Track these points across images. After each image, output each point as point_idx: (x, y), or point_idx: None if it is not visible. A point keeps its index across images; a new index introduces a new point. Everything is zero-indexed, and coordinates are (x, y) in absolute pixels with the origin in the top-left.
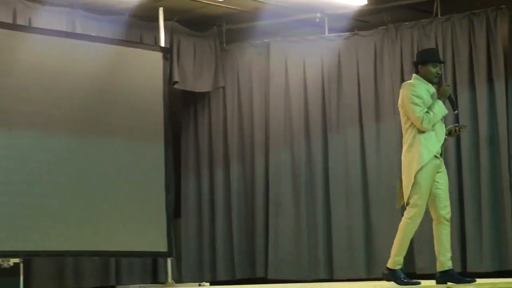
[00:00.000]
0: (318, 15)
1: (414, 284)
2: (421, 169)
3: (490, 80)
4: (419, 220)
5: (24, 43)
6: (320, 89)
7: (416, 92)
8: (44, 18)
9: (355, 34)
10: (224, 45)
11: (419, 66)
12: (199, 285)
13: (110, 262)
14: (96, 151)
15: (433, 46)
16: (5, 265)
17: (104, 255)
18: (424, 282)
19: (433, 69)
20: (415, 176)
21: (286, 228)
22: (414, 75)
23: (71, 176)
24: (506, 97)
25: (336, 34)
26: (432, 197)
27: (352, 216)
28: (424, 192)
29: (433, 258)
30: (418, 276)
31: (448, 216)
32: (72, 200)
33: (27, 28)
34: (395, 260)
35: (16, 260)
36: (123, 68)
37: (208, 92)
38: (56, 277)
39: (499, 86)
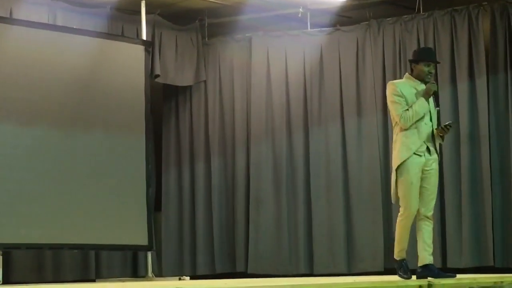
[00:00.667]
0: (301, 10)
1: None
2: (399, 166)
3: (471, 77)
4: (408, 214)
5: (5, 34)
6: (302, 84)
7: (397, 91)
8: (25, 9)
9: (337, 29)
10: (206, 39)
11: (413, 65)
12: (179, 279)
13: (90, 255)
14: (77, 144)
15: (415, 43)
16: None
17: (84, 248)
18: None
19: (425, 68)
20: (396, 173)
21: (267, 223)
22: (406, 74)
23: (51, 169)
24: (488, 94)
25: (318, 29)
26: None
27: (333, 211)
28: (407, 189)
29: (413, 252)
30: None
31: (430, 214)
32: (52, 193)
33: (8, 20)
34: (396, 252)
35: None
36: (104, 61)
37: (189, 86)
38: (36, 269)
39: (481, 83)
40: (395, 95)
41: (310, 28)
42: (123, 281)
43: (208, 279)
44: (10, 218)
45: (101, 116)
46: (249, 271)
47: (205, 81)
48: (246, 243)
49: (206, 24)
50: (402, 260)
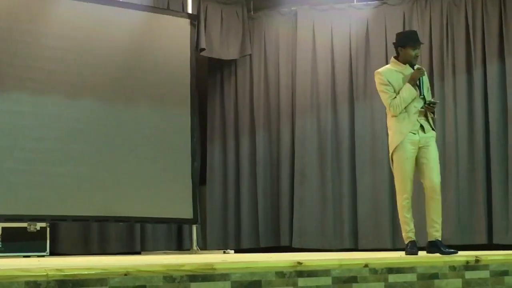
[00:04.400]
0: None
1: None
2: (394, 150)
3: None
4: (406, 196)
5: (52, 8)
6: (348, 58)
7: (383, 81)
8: None
9: (384, 3)
10: (252, 12)
11: (399, 48)
12: (224, 252)
13: (135, 228)
14: (122, 117)
15: (463, 16)
16: (32, 229)
17: (129, 221)
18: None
19: (412, 52)
20: (391, 158)
21: (311, 197)
22: (392, 58)
23: (97, 142)
24: None
25: (365, 2)
26: (419, 171)
27: (378, 186)
28: (403, 171)
29: (459, 228)
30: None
31: (435, 186)
32: (98, 166)
33: None
34: (404, 236)
35: (43, 224)
36: (150, 34)
37: (234, 60)
38: (82, 242)
39: None
40: (382, 84)
41: (357, 1)
42: (168, 253)
43: (253, 252)
44: (57, 191)
45: (147, 89)
46: (293, 245)
47: (250, 55)
48: (290, 217)
49: None
50: (411, 242)
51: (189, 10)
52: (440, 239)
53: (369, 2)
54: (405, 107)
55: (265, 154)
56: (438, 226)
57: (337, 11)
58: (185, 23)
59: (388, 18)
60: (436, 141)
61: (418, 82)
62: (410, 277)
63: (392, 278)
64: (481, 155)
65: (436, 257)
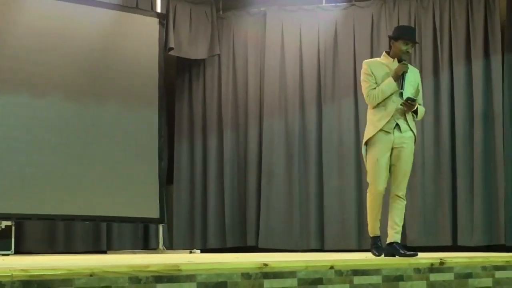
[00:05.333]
0: None
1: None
2: (366, 143)
3: (486, 55)
4: (375, 193)
5: (19, 6)
6: (316, 59)
7: (366, 70)
8: None
9: (352, 4)
10: (221, 12)
11: (392, 41)
12: (190, 252)
13: (102, 227)
14: (90, 116)
15: (430, 19)
16: None
17: (95, 220)
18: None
19: (403, 47)
20: (365, 152)
21: (278, 198)
22: (384, 52)
23: (64, 140)
24: (502, 73)
25: (334, 4)
26: (390, 172)
27: (345, 187)
28: (373, 166)
29: (424, 230)
30: (409, 248)
31: (401, 193)
32: (64, 165)
33: None
34: (368, 228)
35: (8, 222)
36: (119, 33)
37: (203, 60)
38: (47, 240)
39: (495, 61)
40: (364, 74)
41: (325, 3)
42: (134, 253)
43: (219, 252)
44: (23, 189)
45: (115, 88)
46: (259, 246)
47: (219, 55)
48: (257, 218)
49: None
50: (375, 237)
51: (158, 9)
52: (399, 241)
53: (337, 4)
54: (384, 101)
55: (233, 154)
56: (399, 229)
57: (306, 12)
58: (153, 22)
59: (357, 19)
60: None
61: (401, 78)
62: (376, 279)
63: (357, 280)
64: (447, 157)
65: (401, 259)
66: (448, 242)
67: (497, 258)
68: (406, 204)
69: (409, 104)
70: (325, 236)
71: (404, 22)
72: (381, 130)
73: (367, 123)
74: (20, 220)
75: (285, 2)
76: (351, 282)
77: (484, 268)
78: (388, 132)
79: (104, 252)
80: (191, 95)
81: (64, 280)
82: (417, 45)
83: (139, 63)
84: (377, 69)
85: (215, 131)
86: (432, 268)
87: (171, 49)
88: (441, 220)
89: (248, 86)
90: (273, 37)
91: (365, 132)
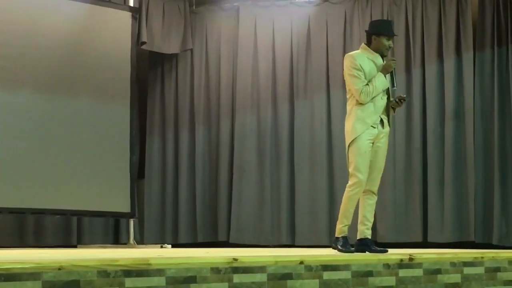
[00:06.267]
0: None
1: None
2: (353, 140)
3: (458, 52)
4: (358, 190)
5: None
6: (289, 55)
7: (356, 65)
8: None
9: (325, 1)
10: (194, 7)
11: (373, 37)
12: (161, 247)
13: (72, 221)
14: (61, 109)
15: (403, 16)
16: None
17: (66, 214)
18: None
19: (386, 42)
20: (349, 147)
21: (250, 193)
22: (362, 45)
23: (34, 134)
24: (474, 71)
25: (307, 0)
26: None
27: (316, 182)
28: (360, 162)
29: (394, 226)
30: (380, 244)
31: (375, 189)
32: (35, 158)
33: None
34: (338, 228)
35: None
36: (91, 26)
37: (176, 54)
38: (17, 234)
39: (467, 59)
40: (354, 68)
41: None
42: (105, 247)
43: (190, 247)
44: None
45: (86, 81)
46: (230, 241)
47: (191, 50)
48: (228, 213)
49: None
50: (345, 236)
51: (131, 3)
52: (370, 237)
53: (310, 0)
54: (373, 98)
55: (204, 149)
56: (370, 225)
57: (279, 8)
58: (126, 16)
59: (330, 16)
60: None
61: (391, 74)
62: (345, 275)
63: (326, 275)
64: (418, 154)
65: (371, 255)
66: (419, 238)
67: (466, 255)
68: (378, 198)
69: (401, 103)
70: (296, 232)
71: (376, 18)
72: (368, 128)
73: (353, 119)
74: None
75: None
76: (320, 277)
77: (453, 264)
78: (374, 127)
79: (75, 246)
80: (163, 89)
81: (33, 274)
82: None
83: (111, 56)
84: (364, 63)
85: (187, 126)
86: (401, 264)
87: (144, 43)
88: (412, 217)
89: (220, 81)
90: (246, 33)
91: (352, 129)
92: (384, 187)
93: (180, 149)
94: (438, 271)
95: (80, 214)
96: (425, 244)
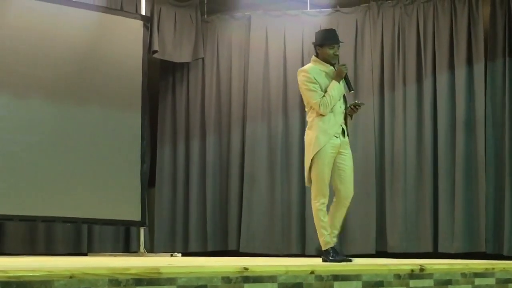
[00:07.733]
0: None
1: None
2: (317, 152)
3: (469, 63)
4: (324, 200)
5: (3, 6)
6: (300, 64)
7: (310, 79)
8: None
9: (337, 10)
10: (205, 16)
11: (317, 48)
12: (171, 255)
13: (83, 229)
14: (72, 117)
15: (414, 26)
16: None
17: (76, 222)
18: (385, 260)
19: (330, 51)
20: (312, 159)
21: (260, 202)
22: (313, 57)
23: (46, 142)
24: (485, 81)
25: (318, 10)
26: (335, 177)
27: None
28: (323, 173)
29: (405, 236)
30: (390, 254)
31: (350, 196)
32: (47, 166)
33: None
34: (322, 241)
35: None
36: (103, 35)
37: (187, 63)
38: (28, 242)
39: (478, 69)
40: (309, 82)
41: (310, 8)
42: (115, 255)
43: (200, 256)
44: (4, 190)
45: (98, 90)
46: (241, 250)
47: (202, 59)
48: (238, 222)
49: (206, 1)
50: (332, 248)
51: (143, 12)
52: (334, 246)
53: (322, 9)
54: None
55: (215, 158)
56: (337, 232)
57: (290, 17)
58: (138, 24)
59: (341, 25)
60: (386, 150)
61: (345, 79)
62: (356, 285)
63: (337, 285)
64: (429, 164)
65: (382, 265)
66: (429, 248)
67: (477, 265)
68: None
69: (357, 109)
70: (306, 241)
71: (388, 28)
72: (330, 139)
73: (315, 131)
74: (1, 221)
75: (270, 7)
76: (331, 287)
77: (464, 275)
78: (337, 137)
79: (85, 254)
80: (175, 98)
81: (44, 282)
82: (400, 51)
83: (123, 65)
84: (318, 75)
85: (198, 135)
86: (412, 275)
87: (155, 52)
88: (422, 227)
89: (231, 90)
90: (257, 42)
91: (315, 141)
92: (395, 197)
93: (190, 158)
94: (449, 282)
95: (91, 222)
96: (435, 255)
